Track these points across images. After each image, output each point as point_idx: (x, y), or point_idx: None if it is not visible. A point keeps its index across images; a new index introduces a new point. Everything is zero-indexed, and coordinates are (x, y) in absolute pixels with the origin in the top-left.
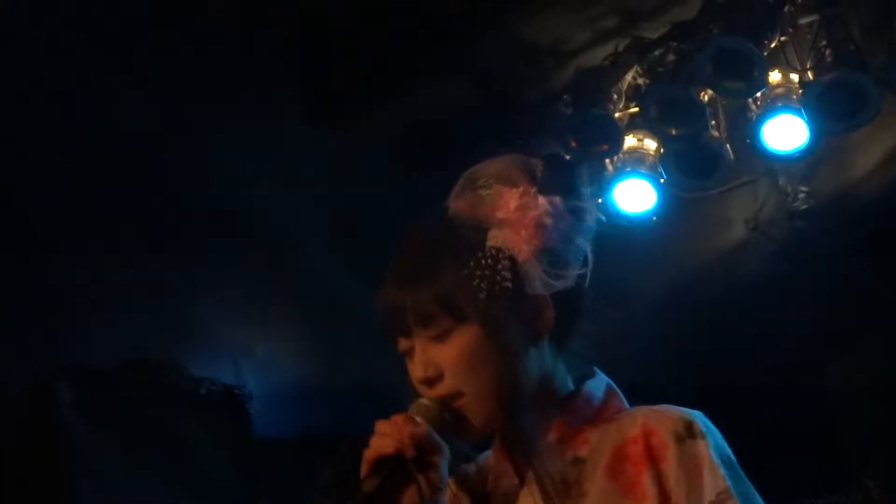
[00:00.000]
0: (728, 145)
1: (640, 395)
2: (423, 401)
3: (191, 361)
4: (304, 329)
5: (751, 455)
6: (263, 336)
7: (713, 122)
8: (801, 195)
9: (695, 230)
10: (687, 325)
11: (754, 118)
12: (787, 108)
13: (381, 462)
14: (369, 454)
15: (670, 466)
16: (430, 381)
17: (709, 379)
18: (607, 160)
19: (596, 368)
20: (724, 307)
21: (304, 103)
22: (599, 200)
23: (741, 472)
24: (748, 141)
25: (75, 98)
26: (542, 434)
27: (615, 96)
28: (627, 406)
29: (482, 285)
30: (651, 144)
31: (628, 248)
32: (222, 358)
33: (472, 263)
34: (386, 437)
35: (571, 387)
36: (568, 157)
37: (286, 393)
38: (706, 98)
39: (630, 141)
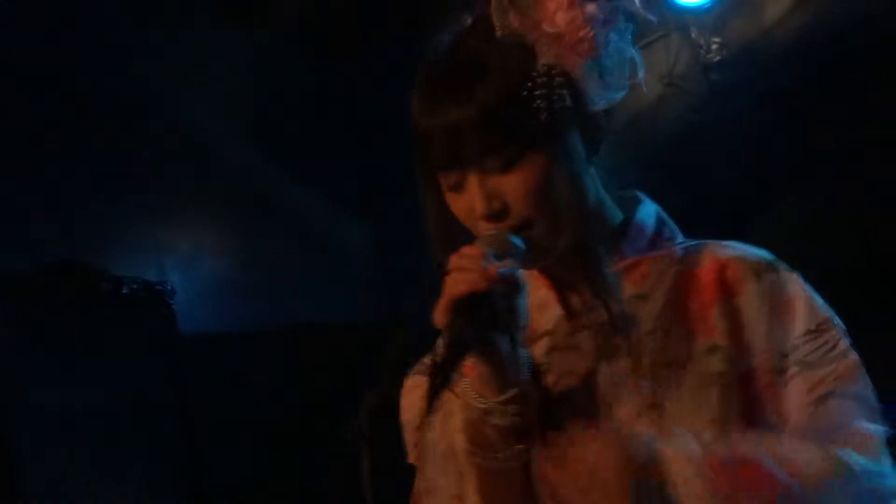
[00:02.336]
0: (637, 1)
1: None
2: (494, 233)
3: (111, 261)
4: (226, 222)
5: None
6: (185, 231)
7: None
8: (715, 46)
9: None
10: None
11: None
12: None
13: (467, 301)
14: (455, 291)
15: (747, 300)
16: (498, 214)
17: None
18: None
19: (640, 194)
20: (643, 166)
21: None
22: None
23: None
24: None
25: None
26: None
27: None
28: (681, 236)
29: (542, 106)
30: None
31: None
32: (144, 255)
33: (529, 84)
34: (470, 272)
35: (621, 215)
36: None
37: (211, 287)
38: None
39: None
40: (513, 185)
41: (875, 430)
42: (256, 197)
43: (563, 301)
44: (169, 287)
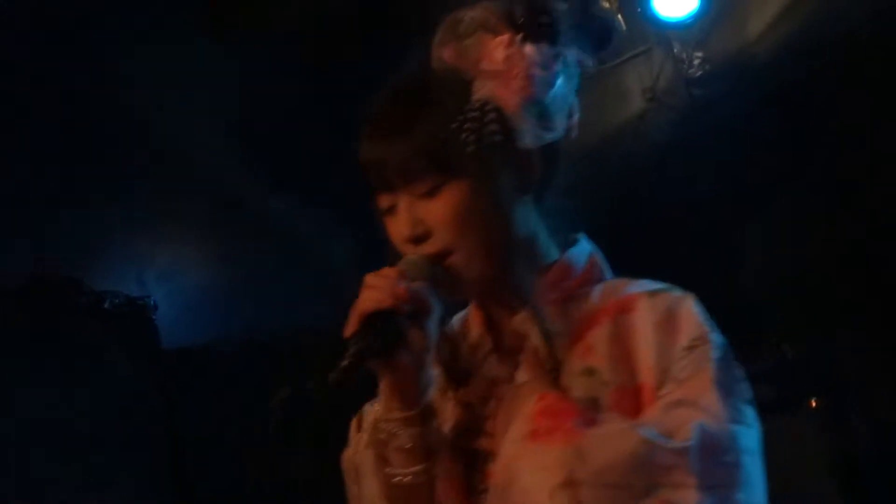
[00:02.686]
0: (620, 15)
1: None
2: (413, 257)
3: (93, 275)
4: (209, 235)
5: None
6: (166, 245)
7: None
8: (697, 61)
9: (592, 104)
10: (591, 201)
11: None
12: None
13: (373, 317)
14: (362, 307)
15: (637, 315)
16: (419, 239)
17: (617, 251)
18: None
19: (581, 235)
20: (626, 180)
21: (200, 5)
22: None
23: (722, 337)
24: (639, 9)
25: None
26: (525, 301)
27: None
28: (609, 275)
29: (471, 139)
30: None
31: None
32: (125, 270)
33: (459, 116)
34: (380, 290)
35: (556, 255)
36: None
37: (192, 301)
38: None
39: None
40: (436, 211)
41: (699, 427)
42: (239, 209)
43: (494, 338)
44: (151, 302)
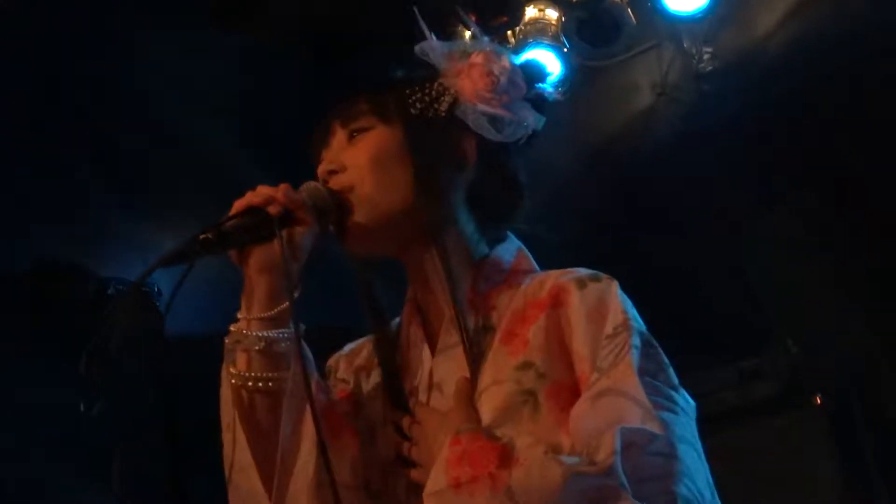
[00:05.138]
0: (629, 10)
1: (560, 263)
2: (313, 182)
3: (97, 262)
4: (211, 223)
5: (673, 321)
6: (171, 232)
7: None
8: (706, 56)
9: (601, 99)
10: (599, 194)
11: None
12: None
13: (247, 211)
14: (239, 203)
15: (571, 308)
16: (331, 174)
17: (627, 246)
18: (509, 32)
19: (509, 232)
20: (635, 174)
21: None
22: None
23: (643, 324)
24: (650, 4)
25: None
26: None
27: None
28: (537, 269)
29: (418, 104)
30: (552, 14)
31: None
32: (130, 257)
33: (415, 88)
34: (260, 194)
35: (486, 251)
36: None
37: (196, 289)
38: None
39: (531, 11)
40: (355, 152)
41: (620, 433)
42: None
43: (428, 334)
44: (155, 288)
